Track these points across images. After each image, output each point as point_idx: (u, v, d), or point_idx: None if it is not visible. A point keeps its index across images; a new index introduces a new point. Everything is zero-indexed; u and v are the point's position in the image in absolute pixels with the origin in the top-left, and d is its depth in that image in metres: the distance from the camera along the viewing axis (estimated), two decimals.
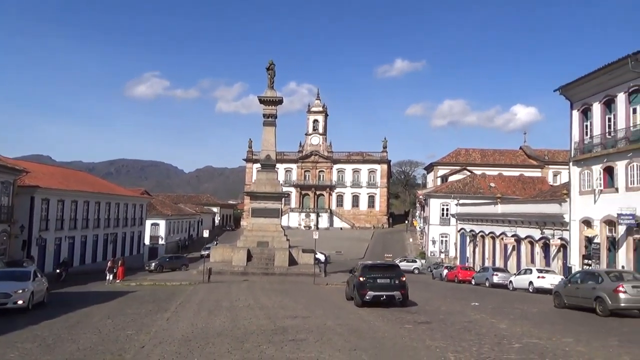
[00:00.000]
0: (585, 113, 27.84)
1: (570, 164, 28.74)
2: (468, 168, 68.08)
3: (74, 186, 41.82)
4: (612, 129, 25.70)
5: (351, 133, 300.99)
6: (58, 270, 32.66)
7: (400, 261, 44.90)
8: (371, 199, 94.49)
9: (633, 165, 23.81)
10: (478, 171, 64.33)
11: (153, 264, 41.48)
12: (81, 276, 33.95)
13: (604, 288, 15.94)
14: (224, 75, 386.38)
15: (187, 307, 16.66)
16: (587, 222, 27.10)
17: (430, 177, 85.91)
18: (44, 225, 35.64)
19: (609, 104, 26.01)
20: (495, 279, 25.38)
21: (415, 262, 46.86)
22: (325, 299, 19.67)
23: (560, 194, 32.09)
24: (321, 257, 38.38)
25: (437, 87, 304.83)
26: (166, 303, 17.89)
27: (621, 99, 24.76)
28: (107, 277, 31.37)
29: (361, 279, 16.61)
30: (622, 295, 15.30)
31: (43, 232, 35.32)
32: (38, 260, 33.48)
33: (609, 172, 25.61)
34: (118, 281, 31.17)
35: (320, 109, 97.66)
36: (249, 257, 33.01)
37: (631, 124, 24.23)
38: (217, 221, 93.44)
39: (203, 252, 53.81)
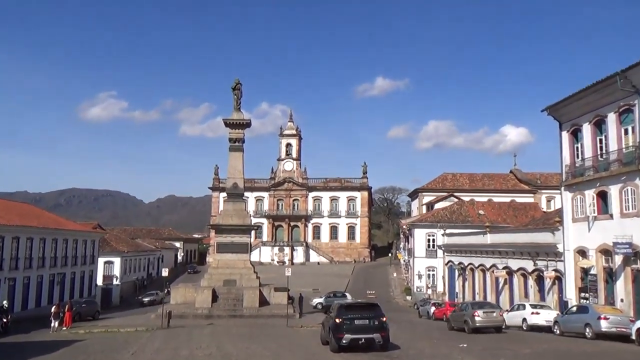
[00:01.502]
0: (575, 134, 28.47)
1: (562, 188, 29.17)
2: (455, 194, 68.78)
3: (15, 220, 40.84)
4: (603, 151, 26.21)
5: (328, 158, 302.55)
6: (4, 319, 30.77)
7: (327, 297, 44.18)
8: (351, 230, 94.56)
9: (627, 190, 24.18)
10: (466, 197, 65.10)
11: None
12: (23, 324, 32.70)
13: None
14: (188, 96, 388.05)
15: (141, 358, 16.25)
16: (582, 252, 27.32)
17: (414, 204, 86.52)
18: None
19: (599, 125, 26.62)
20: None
21: (346, 296, 44.73)
22: (299, 343, 19.40)
23: (553, 221, 32.36)
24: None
25: (422, 107, 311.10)
26: (117, 354, 17.41)
27: (612, 119, 25.38)
28: (52, 324, 30.46)
29: (337, 320, 16.42)
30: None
31: None
32: None
33: (603, 197, 26.05)
34: (65, 328, 30.29)
35: (294, 131, 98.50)
36: (215, 297, 32.48)
37: (623, 146, 24.69)
38: (180, 257, 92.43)
39: (144, 299, 53.11)
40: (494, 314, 25.06)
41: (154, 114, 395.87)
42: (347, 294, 46.55)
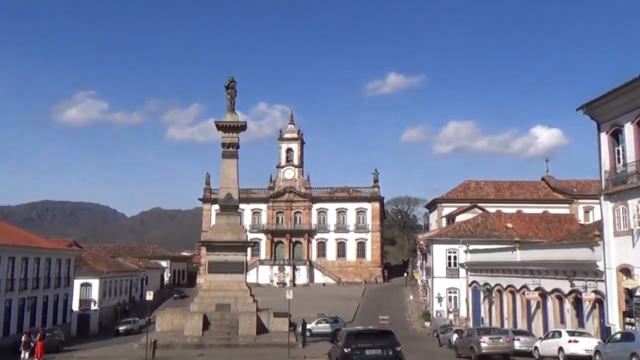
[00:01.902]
0: (616, 135, 28.23)
1: (601, 197, 28.86)
2: (479, 205, 68.25)
3: None
4: None
5: (334, 165, 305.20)
6: None
7: (318, 322, 44.85)
8: (361, 247, 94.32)
9: None
10: (492, 208, 64.49)
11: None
12: None
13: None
14: (176, 95, 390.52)
15: None
16: (626, 270, 26.96)
17: (433, 217, 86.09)
18: None
19: None
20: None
21: (337, 322, 45.10)
22: None
23: (592, 235, 31.92)
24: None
25: (440, 107, 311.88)
26: None
27: None
28: (22, 356, 30.41)
29: (345, 350, 16.31)
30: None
31: None
32: None
33: None
34: None
35: (295, 135, 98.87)
36: (206, 324, 32.20)
37: None
38: (166, 279, 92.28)
39: (119, 327, 53.19)
40: (501, 340, 27.16)
41: (137, 116, 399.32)
42: (339, 317, 46.59)
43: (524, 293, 37.92)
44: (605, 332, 27.83)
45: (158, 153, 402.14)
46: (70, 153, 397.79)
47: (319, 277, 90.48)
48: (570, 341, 26.44)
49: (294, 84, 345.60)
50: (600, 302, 29.61)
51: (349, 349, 16.28)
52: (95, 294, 61.09)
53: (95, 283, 61.20)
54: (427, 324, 55.08)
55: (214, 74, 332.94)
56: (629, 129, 27.04)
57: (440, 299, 54.42)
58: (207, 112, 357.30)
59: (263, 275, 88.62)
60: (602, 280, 28.84)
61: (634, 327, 25.41)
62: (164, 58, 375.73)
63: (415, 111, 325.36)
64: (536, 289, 36.10)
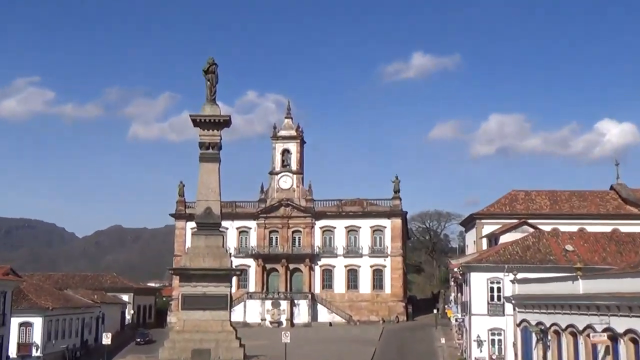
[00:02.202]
0: None
1: None
2: (530, 222, 67.58)
3: None
4: None
5: (343, 170, 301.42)
6: None
7: None
8: (378, 275, 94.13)
9: None
10: (546, 226, 64.00)
11: None
12: None
13: None
14: (142, 82, 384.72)
15: None
16: None
17: (470, 237, 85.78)
18: None
19: None
20: None
21: None
22: None
23: None
24: None
25: (479, 95, 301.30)
26: None
27: None
28: None
29: None
30: None
31: None
32: None
33: None
34: None
35: (293, 132, 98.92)
36: None
37: None
38: (129, 316, 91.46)
39: None
40: None
41: (92, 109, 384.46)
42: None
43: (588, 335, 37.08)
44: None
45: (118, 156, 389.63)
46: (5, 155, 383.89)
47: (323, 315, 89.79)
48: None
49: (291, 67, 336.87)
50: None
51: None
52: (37, 336, 60.52)
53: (37, 322, 60.66)
54: None
55: (189, 55, 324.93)
56: None
57: (480, 343, 53.70)
58: (180, 104, 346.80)
59: (252, 312, 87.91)
60: None
61: None
62: (126, 35, 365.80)
63: (448, 101, 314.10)
64: (604, 330, 35.42)
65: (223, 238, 35.77)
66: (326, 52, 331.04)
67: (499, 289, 53.13)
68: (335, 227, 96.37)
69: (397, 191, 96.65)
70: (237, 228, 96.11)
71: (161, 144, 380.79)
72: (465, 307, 58.37)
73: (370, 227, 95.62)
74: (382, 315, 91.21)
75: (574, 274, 41.28)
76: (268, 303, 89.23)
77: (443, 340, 69.26)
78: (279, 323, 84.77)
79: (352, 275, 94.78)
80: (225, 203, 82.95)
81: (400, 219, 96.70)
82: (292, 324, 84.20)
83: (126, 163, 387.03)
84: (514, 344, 49.21)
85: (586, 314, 37.79)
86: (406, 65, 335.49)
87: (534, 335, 44.63)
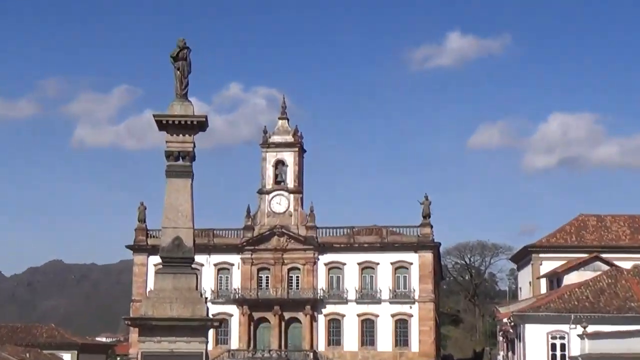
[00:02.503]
0: None
1: None
2: (604, 256, 67.63)
3: None
4: None
5: (355, 188, 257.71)
6: None
7: None
8: (402, 327, 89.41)
9: None
10: (625, 262, 65.36)
11: None
12: None
13: None
14: (90, 71, 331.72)
15: None
16: None
17: (524, 276, 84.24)
18: None
19: None
20: None
21: None
22: None
23: None
24: None
25: (536, 88, 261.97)
26: None
27: None
28: None
29: None
30: None
31: None
32: None
33: None
34: None
35: (290, 137, 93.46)
36: None
37: None
38: None
39: None
40: None
41: (25, 106, 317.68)
42: None
43: None
44: None
45: (59, 168, 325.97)
46: None
47: None
48: None
49: (286, 52, 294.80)
50: None
51: None
52: None
53: None
54: None
55: (153, 37, 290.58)
56: None
57: None
58: (141, 100, 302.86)
59: None
60: None
61: None
62: (68, 9, 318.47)
63: (494, 97, 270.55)
64: None
65: (197, 277, 33.10)
66: (332, 32, 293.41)
67: (563, 347, 52.78)
68: (345, 264, 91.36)
69: (426, 216, 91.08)
70: (216, 264, 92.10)
71: (115, 153, 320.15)
72: None
73: (392, 264, 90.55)
74: None
75: None
76: None
77: None
78: None
79: (368, 328, 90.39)
80: (201, 231, 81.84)
81: (432, 253, 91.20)
82: None
83: (69, 178, 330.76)
84: None
85: None
86: (439, 49, 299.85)
87: None
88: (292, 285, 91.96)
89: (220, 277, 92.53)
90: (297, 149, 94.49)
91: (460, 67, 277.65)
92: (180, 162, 32.83)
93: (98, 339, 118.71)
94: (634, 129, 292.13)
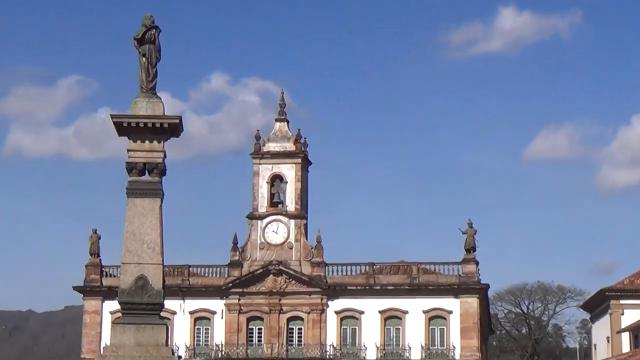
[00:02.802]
0: None
1: None
2: None
3: None
4: None
5: (375, 211, 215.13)
6: None
7: None
8: None
9: None
10: None
11: None
12: None
13: None
14: (28, 58, 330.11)
15: None
16: None
17: (600, 329, 77.89)
18: None
19: None
20: None
21: None
22: None
23: None
24: None
25: (615, 82, 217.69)
26: None
27: None
28: None
29: None
30: None
31: None
32: None
33: None
34: None
35: (290, 144, 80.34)
36: None
37: None
38: None
39: None
40: None
41: None
42: None
43: None
44: None
45: None
46: None
47: None
48: None
49: (285, 34, 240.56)
50: None
51: None
52: None
53: None
54: None
55: (112, 14, 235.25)
56: None
57: None
58: (95, 96, 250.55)
59: None
60: None
61: None
62: None
63: (559, 93, 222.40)
64: None
65: (167, 330, 29.23)
66: (345, 7, 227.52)
67: None
68: (362, 312, 77.41)
69: (470, 249, 76.74)
70: (192, 312, 78.06)
71: (61, 165, 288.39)
72: None
73: (424, 312, 76.92)
74: None
75: None
76: None
77: None
78: None
79: None
80: (173, 268, 72.50)
81: (477, 299, 77.57)
82: None
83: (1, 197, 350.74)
84: None
85: None
86: (487, 29, 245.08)
87: None
88: (292, 341, 78.62)
89: (198, 328, 79.09)
90: (299, 160, 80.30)
91: (515, 54, 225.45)
92: (147, 177, 30.34)
93: None
94: None
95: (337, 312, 78.49)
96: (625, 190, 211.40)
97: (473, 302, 77.35)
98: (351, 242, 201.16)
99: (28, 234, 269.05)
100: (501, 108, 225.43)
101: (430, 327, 78.14)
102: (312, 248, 79.59)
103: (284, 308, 79.08)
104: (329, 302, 78.68)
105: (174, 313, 74.88)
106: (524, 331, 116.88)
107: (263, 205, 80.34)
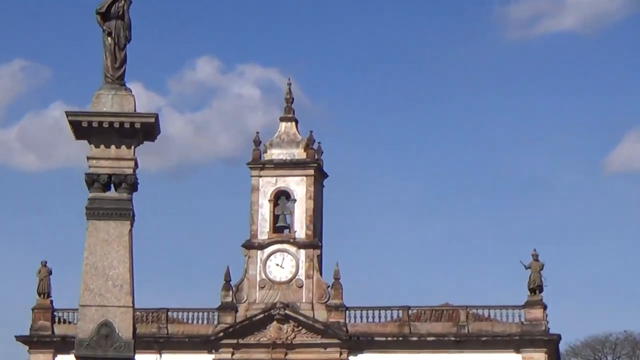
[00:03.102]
0: None
1: None
2: None
3: None
4: None
5: (407, 238, 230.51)
6: None
7: None
8: None
9: None
10: None
11: None
12: None
13: None
14: None
15: None
16: None
17: None
18: None
19: None
20: None
21: None
22: None
23: None
24: None
25: None
26: None
27: None
28: None
29: None
30: None
31: None
32: None
33: None
34: None
35: (300, 150, 67.98)
36: None
37: None
38: None
39: None
40: None
41: None
42: None
43: None
44: None
45: None
46: None
47: None
48: None
49: (295, 8, 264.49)
50: None
51: None
52: None
53: None
54: None
55: None
56: None
57: None
58: (46, 87, 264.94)
59: None
60: None
61: None
62: None
63: None
64: None
65: None
66: None
67: None
68: None
69: (536, 289, 64.61)
70: None
71: (1, 176, 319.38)
72: None
73: None
74: None
75: None
76: None
77: None
78: None
79: None
80: (147, 313, 63.27)
81: (545, 353, 65.75)
82: None
83: None
84: None
85: None
86: (555, 4, 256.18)
87: None
88: None
89: None
90: (311, 172, 67.70)
91: (591, 34, 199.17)
92: (113, 192, 27.40)
93: None
94: None
95: None
96: None
97: (540, 357, 65.88)
98: (379, 280, 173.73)
99: None
100: (572, 104, 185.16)
101: None
102: (328, 287, 66.91)
103: None
104: (351, 358, 66.72)
105: None
106: None
107: (264, 231, 67.14)
